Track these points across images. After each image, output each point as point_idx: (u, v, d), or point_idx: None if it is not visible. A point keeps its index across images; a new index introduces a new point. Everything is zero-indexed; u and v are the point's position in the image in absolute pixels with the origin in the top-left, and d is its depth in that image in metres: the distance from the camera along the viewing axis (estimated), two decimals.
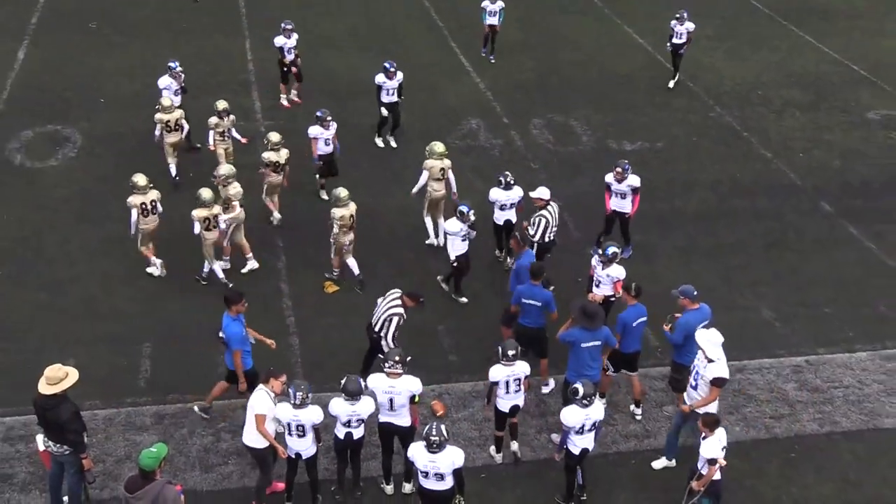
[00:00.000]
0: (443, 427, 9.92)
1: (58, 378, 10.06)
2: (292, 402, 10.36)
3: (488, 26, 23.55)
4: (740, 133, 20.84)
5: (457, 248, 14.42)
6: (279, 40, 20.11)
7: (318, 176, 17.36)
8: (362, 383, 10.60)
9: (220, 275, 14.83)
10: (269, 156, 16.12)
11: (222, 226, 14.57)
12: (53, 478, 10.63)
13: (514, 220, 15.25)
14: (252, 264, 15.26)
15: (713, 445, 10.30)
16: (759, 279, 15.84)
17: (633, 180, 15.36)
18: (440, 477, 9.98)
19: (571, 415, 10.62)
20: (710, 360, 11.00)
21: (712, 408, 11.04)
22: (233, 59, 23.07)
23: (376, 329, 12.28)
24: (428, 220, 16.12)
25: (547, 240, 14.60)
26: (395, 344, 12.08)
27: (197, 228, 14.45)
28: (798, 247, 16.81)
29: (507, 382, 11.30)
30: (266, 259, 15.51)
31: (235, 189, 15.14)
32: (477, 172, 17.69)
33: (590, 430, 10.77)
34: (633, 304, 12.17)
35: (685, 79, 23.09)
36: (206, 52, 23.41)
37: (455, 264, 14.55)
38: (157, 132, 17.12)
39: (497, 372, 11.28)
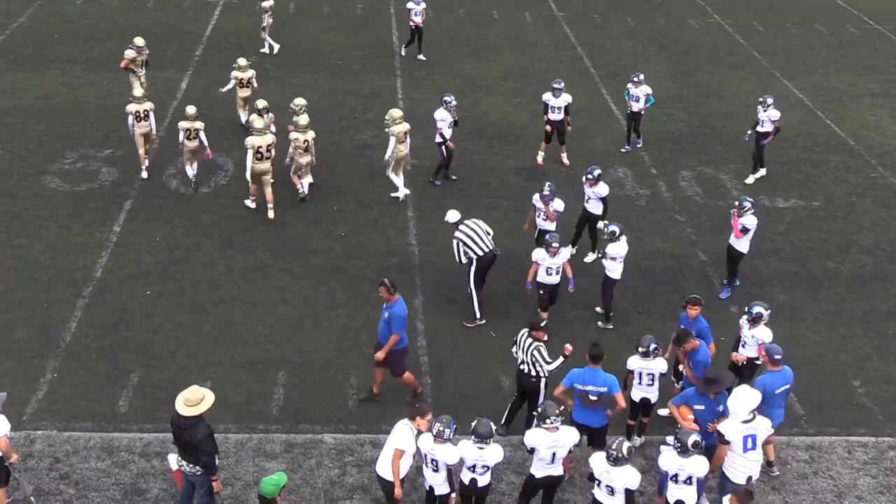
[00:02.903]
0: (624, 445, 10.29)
1: (196, 400, 10.34)
2: (433, 433, 10.43)
3: (631, 112, 20.98)
4: None
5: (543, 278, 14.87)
6: (439, 114, 18.84)
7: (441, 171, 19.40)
8: (493, 427, 10.53)
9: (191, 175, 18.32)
10: (295, 136, 17.81)
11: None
12: (184, 497, 10.91)
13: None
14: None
15: None
16: None
17: (602, 189, 16.27)
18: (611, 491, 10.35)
19: (667, 460, 10.43)
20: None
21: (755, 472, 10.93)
22: (383, 96, 23.58)
23: (532, 374, 12.28)
24: (392, 176, 18.48)
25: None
26: (550, 360, 12.12)
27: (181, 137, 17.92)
28: None
29: (641, 374, 12.23)
30: (402, 294, 15.60)
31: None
32: (624, 222, 17.42)
33: (686, 483, 10.41)
34: (777, 369, 11.72)
35: (846, 136, 22.28)
36: (358, 88, 24.00)
37: (540, 292, 14.99)
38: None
39: (633, 363, 12.25)
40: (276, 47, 25.87)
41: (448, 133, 18.89)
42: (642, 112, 20.75)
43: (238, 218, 17.76)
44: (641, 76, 20.62)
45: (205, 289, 15.69)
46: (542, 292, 14.83)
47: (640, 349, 12.07)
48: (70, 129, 20.92)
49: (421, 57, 25.83)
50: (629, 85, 20.69)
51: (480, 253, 14.93)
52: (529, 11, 31.02)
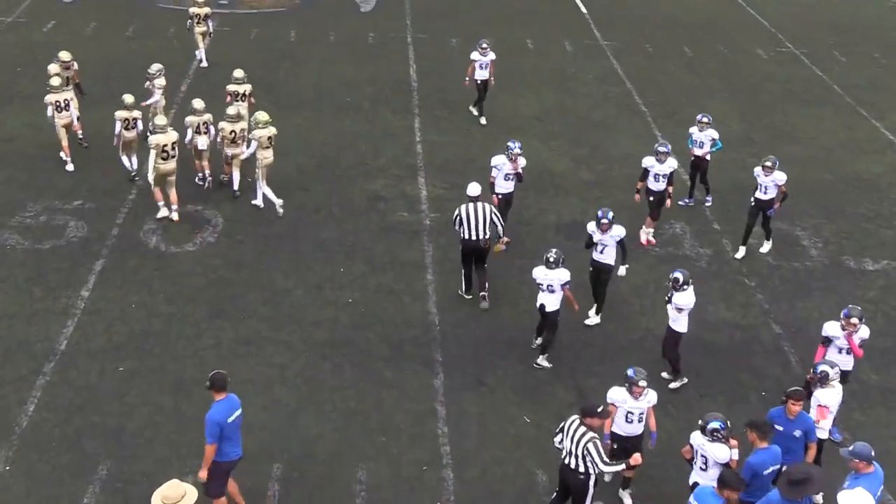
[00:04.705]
0: None
1: (176, 497, 10.29)
2: None
3: (694, 159, 20.97)
4: None
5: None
6: (497, 160, 18.91)
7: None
8: None
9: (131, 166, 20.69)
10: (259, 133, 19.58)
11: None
12: None
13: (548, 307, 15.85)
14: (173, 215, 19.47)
15: None
16: None
17: (619, 231, 16.62)
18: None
19: None
20: None
21: None
22: (398, 138, 23.79)
23: (580, 471, 12.14)
24: (263, 187, 19.95)
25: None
26: (610, 462, 12.06)
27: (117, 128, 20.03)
28: None
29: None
30: (420, 373, 15.66)
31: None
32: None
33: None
34: (869, 470, 11.54)
35: None
36: (369, 129, 24.26)
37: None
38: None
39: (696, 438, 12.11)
40: (204, 62, 27.58)
41: (504, 186, 18.92)
42: (707, 158, 20.78)
43: (228, 282, 17.86)
44: (708, 117, 20.71)
45: (188, 365, 15.70)
46: (616, 446, 13.28)
47: (708, 427, 11.90)
48: (33, 177, 21.18)
49: (483, 120, 24.84)
50: (693, 129, 20.78)
51: (465, 237, 17.17)
52: (570, 40, 31.38)
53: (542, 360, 16.03)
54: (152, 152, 18.95)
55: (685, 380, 15.71)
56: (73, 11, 31.70)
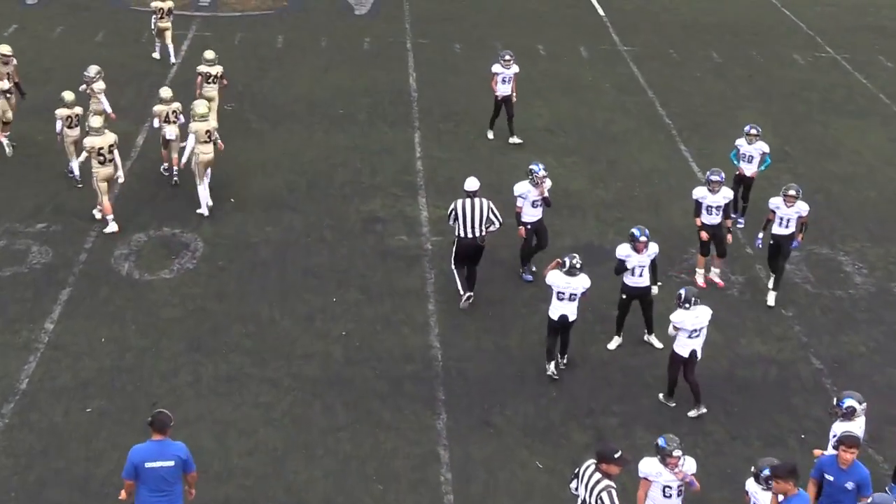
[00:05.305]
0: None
1: None
2: None
3: (739, 176, 20.90)
4: None
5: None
6: (520, 188, 18.81)
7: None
8: None
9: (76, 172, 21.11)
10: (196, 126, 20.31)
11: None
12: None
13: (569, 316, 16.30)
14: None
15: None
16: None
17: (654, 248, 16.81)
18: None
19: None
20: None
21: None
22: (397, 154, 23.86)
23: None
24: (202, 189, 20.57)
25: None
26: None
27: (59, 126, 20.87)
28: None
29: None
30: (420, 413, 15.65)
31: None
32: (713, 317, 17.30)
33: None
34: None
35: None
36: (365, 144, 24.33)
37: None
38: None
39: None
40: (172, 59, 28.53)
41: (532, 214, 18.78)
42: (754, 177, 20.75)
43: (208, 312, 17.87)
44: (757, 129, 20.65)
45: (164, 405, 15.65)
46: None
47: (762, 474, 11.97)
48: None
49: (515, 140, 24.57)
50: (739, 141, 20.75)
51: (461, 235, 17.80)
52: (585, 45, 31.51)
53: (562, 362, 16.67)
54: (85, 155, 19.76)
55: (703, 409, 15.79)
56: (36, 14, 31.95)
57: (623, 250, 16.72)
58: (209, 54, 23.55)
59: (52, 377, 16.14)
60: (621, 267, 16.77)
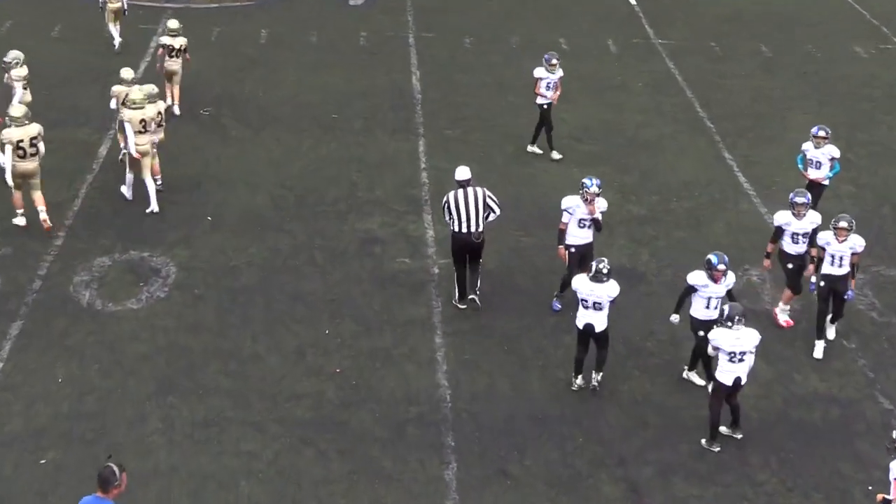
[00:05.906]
0: None
1: None
2: None
3: (808, 180, 20.97)
4: None
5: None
6: (568, 201, 18.76)
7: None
8: None
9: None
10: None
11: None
12: None
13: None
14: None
15: None
16: None
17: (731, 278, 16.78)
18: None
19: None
20: None
21: None
22: (398, 166, 23.88)
23: None
24: (147, 182, 21.25)
25: None
26: None
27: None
28: None
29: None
30: (426, 462, 15.58)
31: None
32: (764, 348, 17.28)
33: None
34: None
35: None
36: (362, 154, 24.40)
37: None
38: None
39: None
40: (117, 42, 29.60)
41: (578, 236, 18.52)
42: (825, 182, 20.79)
43: (182, 348, 17.86)
44: (826, 130, 20.67)
45: (130, 455, 15.62)
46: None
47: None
48: None
49: (555, 155, 24.56)
50: (806, 145, 20.80)
51: (455, 229, 18.27)
52: (614, 39, 31.61)
53: (596, 379, 16.93)
54: (8, 148, 19.91)
55: (739, 434, 15.98)
56: None
57: (698, 278, 16.59)
58: (173, 23, 24.81)
59: (1, 424, 16.11)
60: (686, 294, 16.75)
